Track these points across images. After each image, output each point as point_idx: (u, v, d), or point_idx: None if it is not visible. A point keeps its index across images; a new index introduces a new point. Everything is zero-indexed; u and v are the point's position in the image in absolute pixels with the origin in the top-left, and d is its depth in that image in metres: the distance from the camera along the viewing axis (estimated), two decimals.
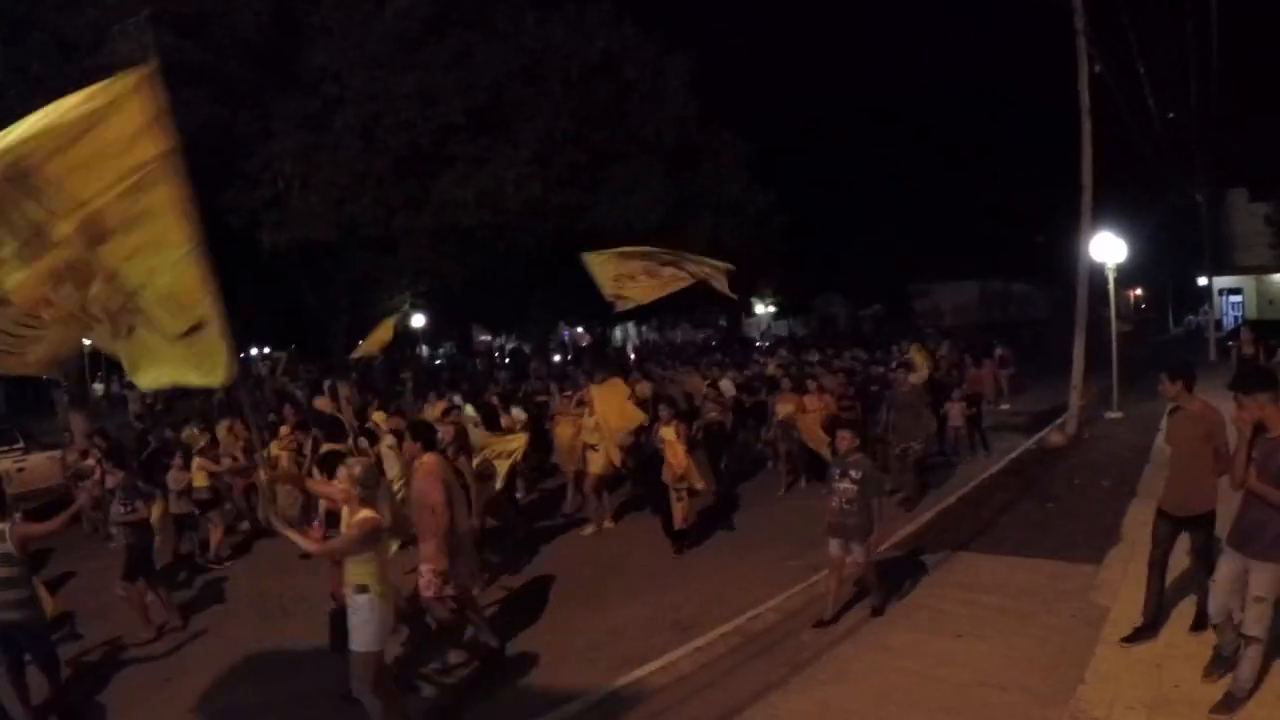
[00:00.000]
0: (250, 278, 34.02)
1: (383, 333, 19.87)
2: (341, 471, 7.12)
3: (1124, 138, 25.97)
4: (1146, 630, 7.45)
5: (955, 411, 17.43)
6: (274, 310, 45.88)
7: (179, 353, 5.61)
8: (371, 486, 6.79)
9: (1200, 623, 7.29)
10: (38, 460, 17.62)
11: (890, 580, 9.73)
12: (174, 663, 9.60)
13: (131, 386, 41.01)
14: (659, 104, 26.29)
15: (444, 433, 11.53)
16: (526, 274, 17.30)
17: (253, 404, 23.10)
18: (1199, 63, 27.21)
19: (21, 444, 20.11)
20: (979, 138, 53.41)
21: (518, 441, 13.00)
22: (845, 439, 9.16)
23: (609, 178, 25.29)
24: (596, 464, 13.61)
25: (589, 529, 13.83)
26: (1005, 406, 23.49)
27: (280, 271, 29.88)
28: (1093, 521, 11.57)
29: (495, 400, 17.56)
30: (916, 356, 22.04)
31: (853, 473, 8.77)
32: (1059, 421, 18.79)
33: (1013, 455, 17.03)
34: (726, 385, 19.02)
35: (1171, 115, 30.21)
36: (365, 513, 6.61)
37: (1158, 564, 7.48)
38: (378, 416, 16.15)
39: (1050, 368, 24.14)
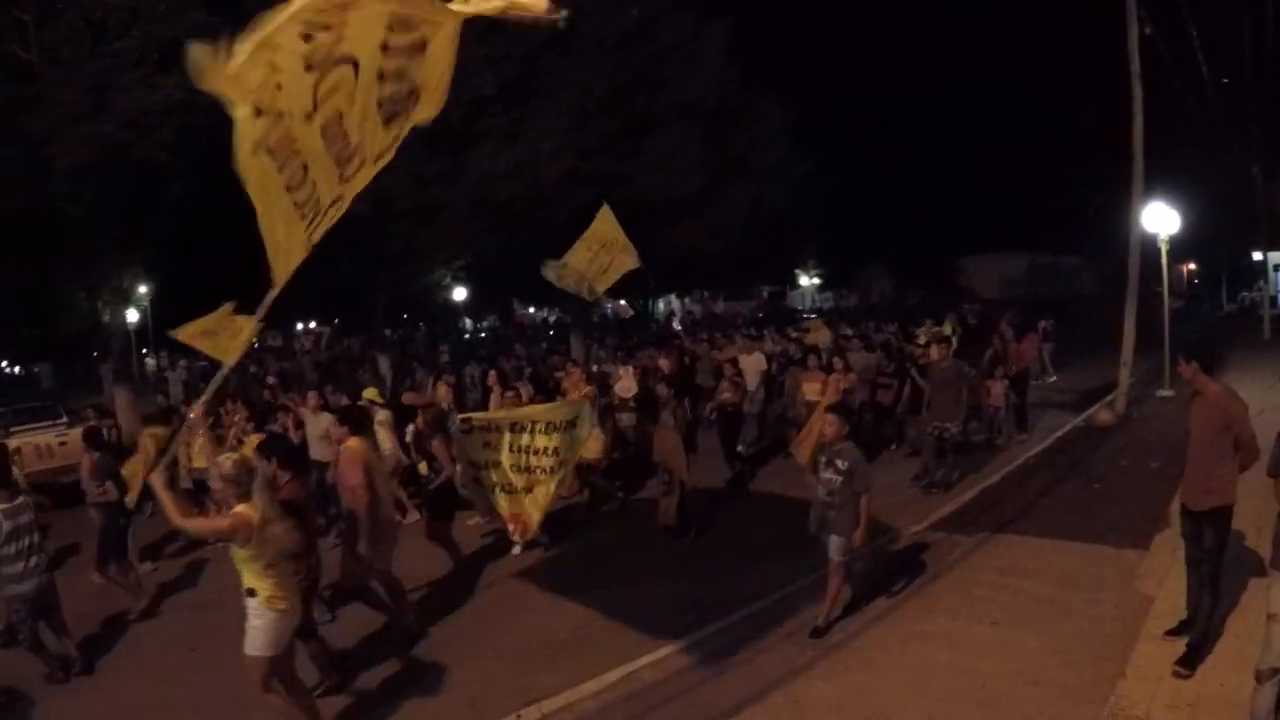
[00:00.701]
0: None
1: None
2: (212, 469, 7.00)
3: (1176, 105, 25.27)
4: (1190, 624, 6.98)
5: (997, 390, 16.17)
6: (316, 285, 46.25)
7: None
8: (244, 483, 6.50)
9: (1183, 629, 6.94)
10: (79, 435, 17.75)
11: (925, 561, 9.45)
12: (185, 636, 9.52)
13: (174, 366, 41.62)
14: (697, 68, 25.79)
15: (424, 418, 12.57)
16: (564, 245, 16.91)
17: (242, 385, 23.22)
18: (1253, 25, 26.30)
19: (65, 419, 20.37)
20: (1028, 106, 52.58)
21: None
22: (832, 425, 8.43)
23: (647, 145, 24.87)
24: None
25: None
26: (1052, 379, 23.02)
27: (321, 246, 29.87)
28: (1140, 505, 11.12)
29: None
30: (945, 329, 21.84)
31: (839, 462, 8.11)
32: (1108, 399, 18.28)
33: (1059, 433, 16.57)
34: (757, 359, 18.35)
35: (1225, 81, 29.27)
36: (239, 508, 6.40)
37: (1192, 560, 6.97)
38: (406, 398, 16.28)
39: (1099, 343, 23.55)
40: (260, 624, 6.43)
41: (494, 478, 11.32)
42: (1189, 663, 6.46)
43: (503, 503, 11.23)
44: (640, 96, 24.37)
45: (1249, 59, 28.00)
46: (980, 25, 66.07)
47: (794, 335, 23.69)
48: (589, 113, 23.15)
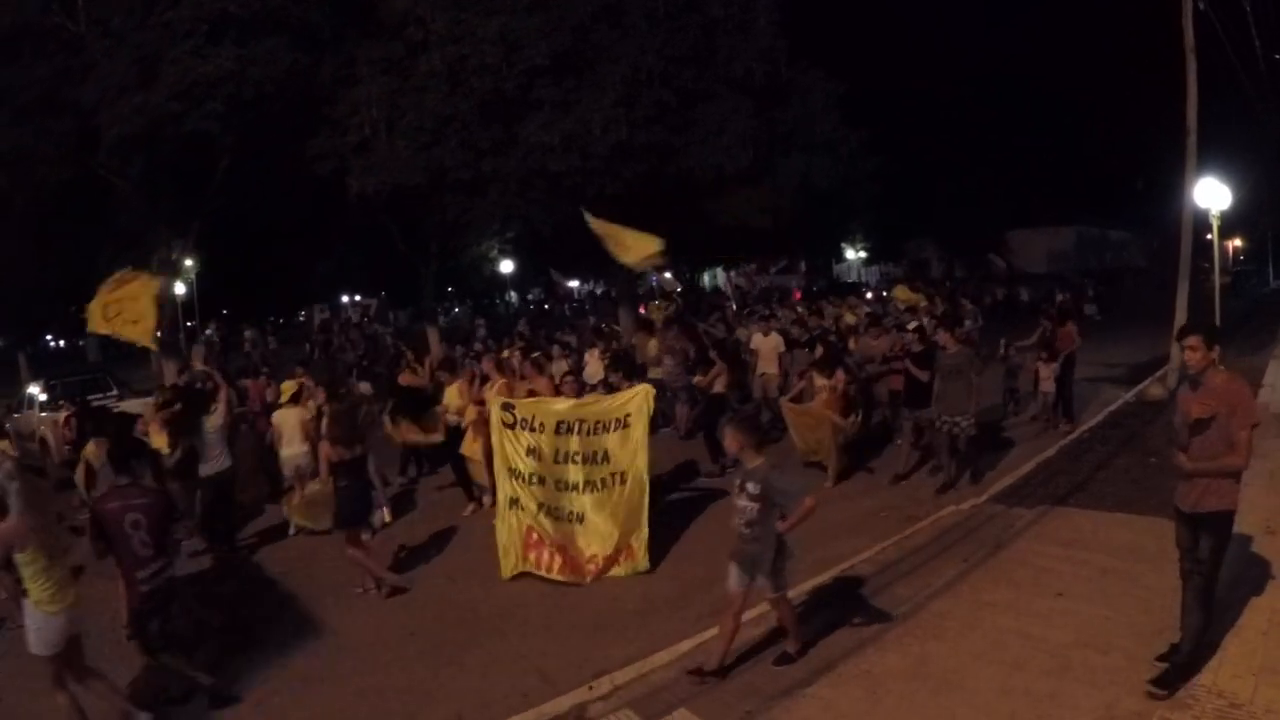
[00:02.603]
0: (340, 224, 34.43)
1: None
2: None
3: (1228, 78, 24.95)
4: (1177, 648, 6.40)
5: (1046, 373, 15.48)
6: (364, 256, 46.74)
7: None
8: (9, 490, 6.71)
9: (1168, 655, 6.40)
10: (131, 407, 18.05)
11: (988, 534, 9.52)
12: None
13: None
14: (747, 41, 25.70)
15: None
16: (614, 218, 17.02)
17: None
18: None
19: (116, 391, 20.72)
20: (1079, 80, 52.08)
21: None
22: (732, 440, 7.22)
23: (697, 118, 24.83)
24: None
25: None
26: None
27: (370, 217, 30.16)
28: None
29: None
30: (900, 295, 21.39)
31: (750, 486, 6.94)
32: (1159, 374, 18.22)
33: (1111, 408, 16.58)
34: (774, 342, 17.06)
35: (1279, 56, 28.86)
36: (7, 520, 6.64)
37: (1185, 573, 6.37)
38: (404, 378, 16.76)
39: (1146, 317, 23.39)
40: (32, 625, 6.75)
41: (539, 496, 10.34)
42: (1167, 683, 6.11)
43: (547, 527, 10.20)
44: (690, 69, 24.34)
45: None
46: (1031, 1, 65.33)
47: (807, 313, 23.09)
48: (640, 84, 23.17)
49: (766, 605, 7.62)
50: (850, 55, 36.02)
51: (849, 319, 21.47)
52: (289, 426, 13.50)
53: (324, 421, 11.48)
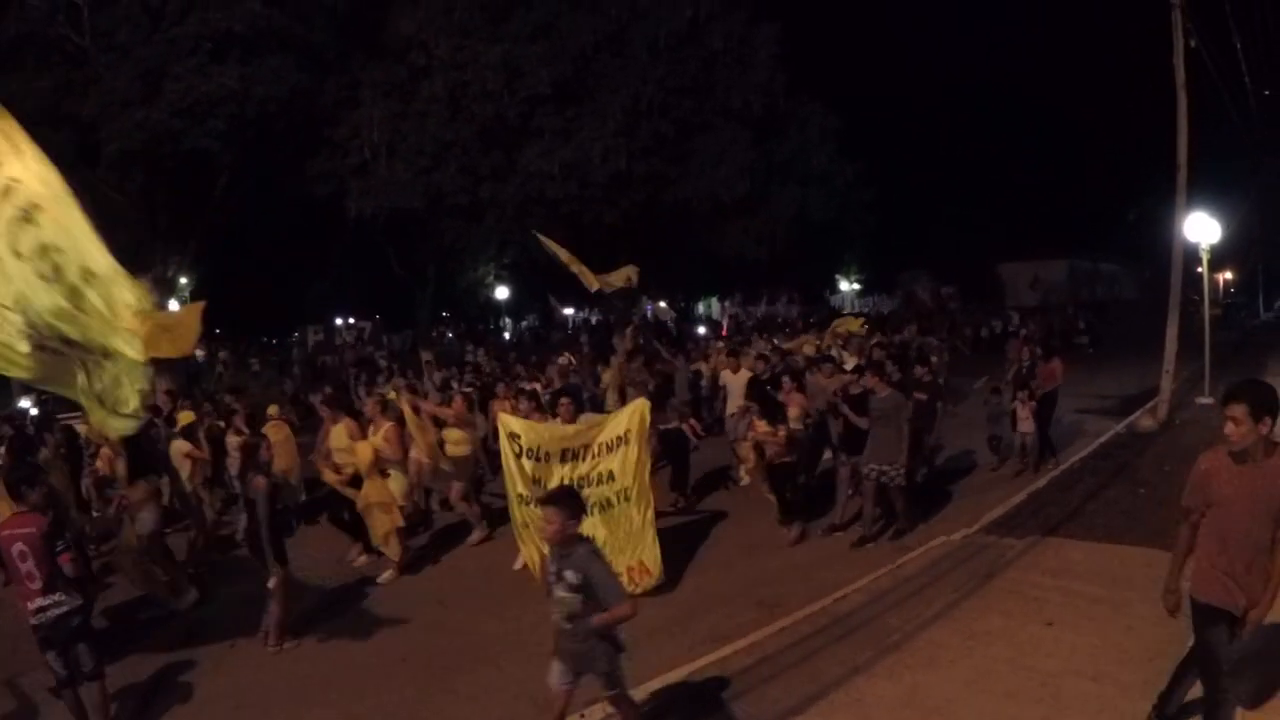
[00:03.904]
0: (337, 246, 34.58)
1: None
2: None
3: (1219, 114, 25.27)
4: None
5: (1025, 414, 14.39)
6: (360, 279, 46.81)
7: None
8: None
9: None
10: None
11: (979, 564, 9.62)
12: None
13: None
14: (746, 73, 26.04)
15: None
16: (611, 246, 17.11)
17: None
18: None
19: None
20: (1071, 115, 52.61)
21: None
22: (550, 522, 5.81)
23: (695, 149, 25.17)
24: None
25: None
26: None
27: (367, 240, 30.34)
28: None
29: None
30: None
31: (569, 574, 5.74)
32: (1150, 405, 18.33)
33: (1102, 439, 16.66)
34: (745, 376, 16.10)
35: (1268, 93, 29.22)
36: None
37: (1206, 671, 5.49)
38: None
39: (1137, 349, 23.54)
40: None
41: None
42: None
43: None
44: (689, 100, 24.65)
45: None
46: (1024, 35, 66.14)
47: (779, 346, 21.73)
48: (640, 114, 23.43)
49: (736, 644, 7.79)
50: (847, 89, 36.48)
51: (808, 350, 20.57)
52: (176, 458, 13.11)
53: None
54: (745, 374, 16.30)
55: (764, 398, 13.61)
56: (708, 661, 7.85)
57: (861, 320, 22.59)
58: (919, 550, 10.66)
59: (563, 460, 10.48)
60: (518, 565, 11.00)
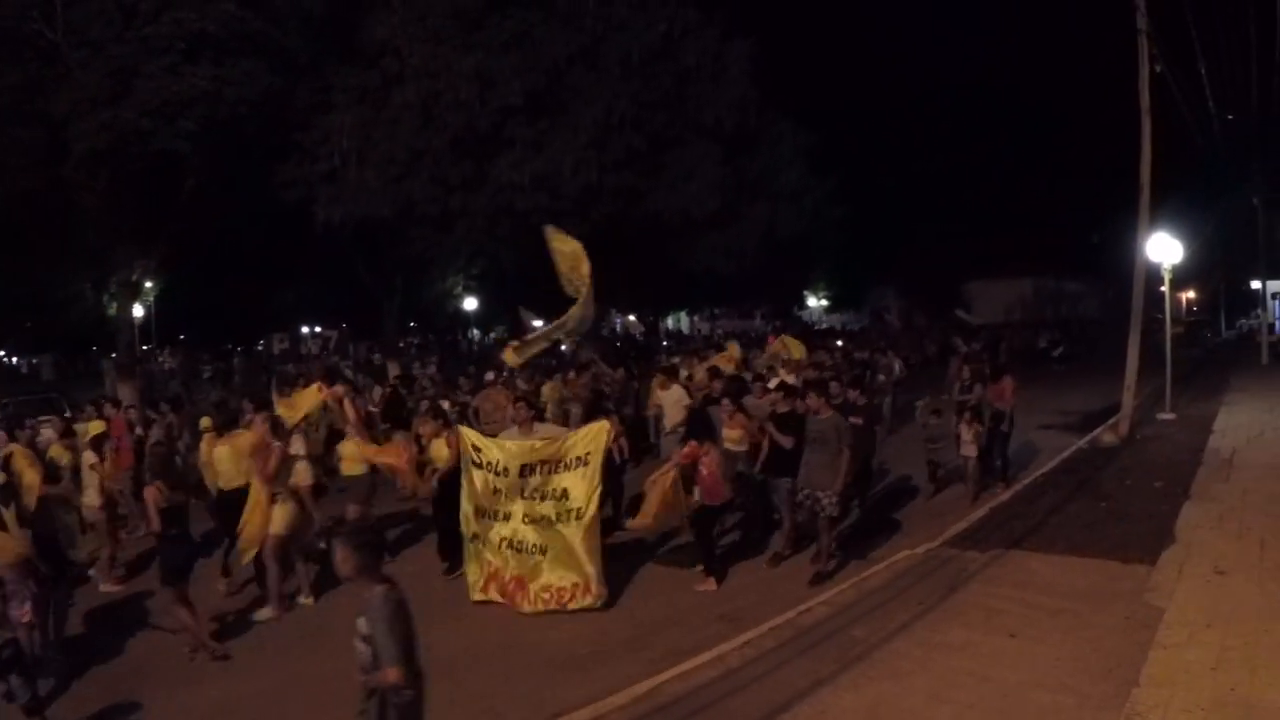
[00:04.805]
0: (304, 253, 34.36)
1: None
2: None
3: (1183, 138, 25.68)
4: None
5: (969, 436, 13.60)
6: (327, 287, 46.51)
7: None
8: None
9: None
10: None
11: (942, 576, 9.69)
12: None
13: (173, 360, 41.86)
14: (719, 89, 26.19)
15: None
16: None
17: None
18: (1261, 65, 26.69)
19: (69, 414, 20.40)
20: (1037, 136, 53.37)
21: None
22: (345, 560, 5.19)
23: (666, 163, 25.26)
24: None
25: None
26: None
27: (335, 248, 30.16)
28: (1146, 522, 11.39)
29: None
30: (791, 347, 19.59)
31: (360, 623, 5.11)
32: (1111, 421, 18.55)
33: (1064, 454, 16.82)
34: (676, 395, 15.67)
35: (1231, 117, 29.73)
36: None
37: None
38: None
39: (1100, 367, 23.81)
40: None
41: (503, 531, 10.41)
42: None
43: (511, 563, 10.28)
44: (661, 115, 24.73)
45: (1255, 97, 28.43)
46: (993, 57, 67.15)
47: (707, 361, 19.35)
48: (612, 127, 23.48)
49: (700, 658, 7.76)
50: (819, 107, 36.78)
51: (726, 367, 18.45)
52: (84, 470, 12.25)
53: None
54: (678, 391, 15.93)
55: (704, 424, 12.59)
56: (671, 676, 7.80)
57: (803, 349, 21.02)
58: (883, 564, 10.70)
59: (521, 474, 10.45)
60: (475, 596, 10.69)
